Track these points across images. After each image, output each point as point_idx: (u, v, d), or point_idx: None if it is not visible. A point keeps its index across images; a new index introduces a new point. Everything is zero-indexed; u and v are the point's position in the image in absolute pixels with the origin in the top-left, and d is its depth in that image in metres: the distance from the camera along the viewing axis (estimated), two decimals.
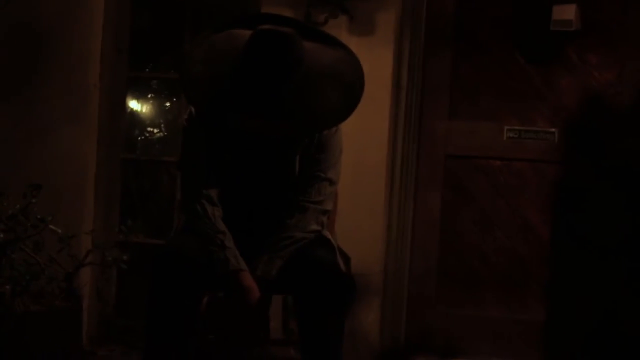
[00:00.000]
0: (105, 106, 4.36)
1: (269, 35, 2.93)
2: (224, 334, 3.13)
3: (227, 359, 3.42)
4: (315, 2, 4.09)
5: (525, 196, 4.28)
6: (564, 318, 4.24)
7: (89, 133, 4.32)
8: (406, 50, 4.21)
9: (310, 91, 2.98)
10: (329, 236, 3.15)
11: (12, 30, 4.29)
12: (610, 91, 4.20)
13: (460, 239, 4.33)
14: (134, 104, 4.69)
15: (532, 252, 4.29)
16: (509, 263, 4.30)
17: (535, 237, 4.28)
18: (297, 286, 2.97)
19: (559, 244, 4.27)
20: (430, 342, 4.32)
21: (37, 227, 3.72)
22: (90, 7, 4.29)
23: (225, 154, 3.09)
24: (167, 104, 4.80)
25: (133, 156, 4.60)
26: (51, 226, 3.75)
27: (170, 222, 4.38)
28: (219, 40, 3.08)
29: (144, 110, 4.75)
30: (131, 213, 4.49)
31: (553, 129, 4.24)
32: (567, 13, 4.12)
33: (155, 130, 4.79)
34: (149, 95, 4.78)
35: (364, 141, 4.07)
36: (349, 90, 3.05)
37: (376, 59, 4.03)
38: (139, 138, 4.75)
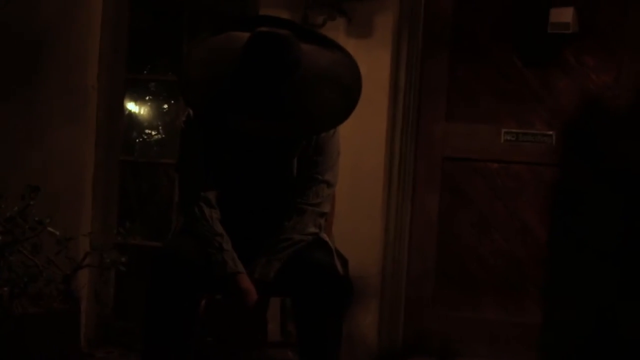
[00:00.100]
0: (103, 108, 4.36)
1: (267, 37, 2.93)
2: (222, 336, 3.13)
3: None
4: (313, 4, 4.09)
5: (523, 199, 4.28)
6: (561, 321, 4.24)
7: (87, 135, 4.32)
8: (404, 52, 4.21)
9: (308, 93, 2.99)
10: (327, 238, 3.16)
11: (11, 31, 4.28)
12: (607, 94, 4.20)
13: (457, 242, 4.34)
14: (132, 106, 4.68)
15: (530, 254, 4.29)
16: (506, 265, 4.31)
17: (532, 240, 4.28)
18: (294, 288, 2.98)
19: (556, 246, 4.27)
20: (428, 344, 4.32)
21: (35, 229, 3.72)
22: (89, 8, 4.29)
23: (223, 156, 3.09)
24: (165, 106, 4.80)
25: (131, 158, 4.60)
26: (49, 228, 3.75)
27: (168, 224, 4.39)
28: (217, 43, 3.09)
29: (142, 112, 4.75)
30: (129, 215, 4.48)
31: (550, 132, 4.25)
32: (564, 16, 4.13)
33: (153, 132, 4.78)
34: (147, 97, 4.77)
35: (361, 143, 4.07)
36: (346, 92, 3.05)
37: (374, 61, 4.03)
38: (137, 140, 4.75)
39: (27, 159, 4.27)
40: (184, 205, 3.13)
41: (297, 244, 3.03)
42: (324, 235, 3.14)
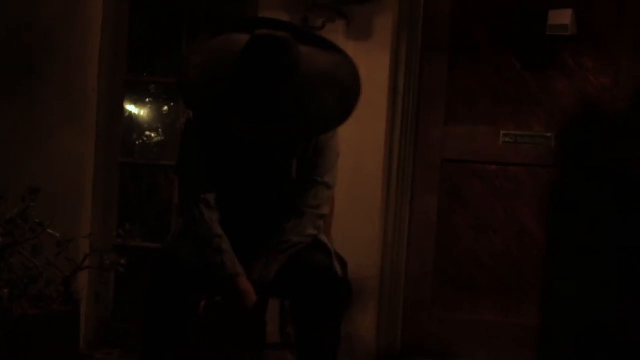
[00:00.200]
0: (103, 110, 4.37)
1: (266, 40, 2.94)
2: (221, 337, 3.14)
3: None
4: (312, 7, 4.09)
5: (522, 201, 4.29)
6: (559, 322, 4.25)
7: (87, 137, 4.32)
8: (403, 54, 4.22)
9: (307, 95, 3.00)
10: (326, 240, 3.17)
11: (11, 33, 4.29)
12: (606, 96, 4.21)
13: (456, 244, 4.34)
14: (131, 108, 4.69)
15: (528, 256, 4.29)
16: (504, 267, 4.31)
17: (531, 242, 4.29)
18: (293, 290, 2.99)
19: (554, 248, 4.28)
20: (426, 346, 4.33)
21: (35, 231, 3.73)
22: (89, 11, 4.29)
23: (223, 158, 3.10)
24: (165, 108, 4.81)
25: (131, 160, 4.60)
26: (49, 230, 3.75)
27: (168, 226, 4.39)
28: (217, 45, 3.10)
29: (141, 114, 4.76)
30: (129, 217, 4.49)
31: (549, 134, 4.25)
32: (562, 18, 4.13)
33: (153, 135, 4.79)
34: (147, 99, 4.78)
35: (361, 145, 4.08)
36: (345, 94, 3.06)
37: (373, 64, 4.04)
38: (137, 142, 4.76)
39: (27, 160, 4.28)
40: (184, 207, 3.14)
41: (296, 246, 3.04)
42: (323, 237, 3.15)
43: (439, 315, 4.34)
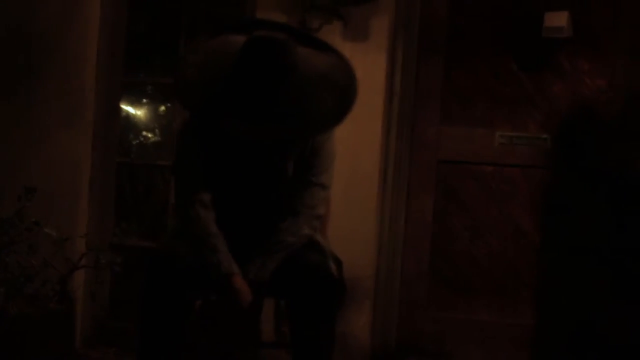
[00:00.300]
0: (100, 110, 4.38)
1: (263, 41, 2.95)
2: (216, 336, 3.15)
3: None
4: (310, 8, 4.10)
5: (517, 201, 4.29)
6: (554, 322, 4.25)
7: (84, 137, 4.33)
8: (399, 56, 4.23)
9: (304, 96, 3.01)
10: (321, 240, 3.18)
11: (8, 34, 4.30)
12: (601, 98, 4.21)
13: (451, 244, 4.35)
14: (128, 109, 4.70)
15: (523, 257, 4.30)
16: (500, 268, 4.31)
17: (526, 242, 4.29)
18: (288, 290, 3.00)
19: (549, 249, 4.28)
20: (421, 346, 4.33)
21: (31, 230, 3.74)
22: (86, 11, 4.30)
23: (220, 159, 3.11)
24: (162, 108, 4.82)
25: (128, 160, 4.61)
26: (45, 229, 3.76)
27: (164, 225, 4.40)
28: (214, 46, 3.10)
29: (138, 114, 4.77)
30: (125, 216, 4.50)
31: (545, 135, 4.26)
32: (558, 20, 4.14)
33: (150, 135, 4.80)
34: (144, 100, 4.79)
35: (357, 146, 4.08)
36: (342, 95, 3.07)
37: (370, 65, 4.05)
38: (134, 142, 4.77)
39: (24, 160, 4.28)
40: (180, 207, 3.15)
41: (291, 246, 3.05)
42: (319, 237, 3.16)
43: (434, 315, 4.34)
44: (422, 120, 4.33)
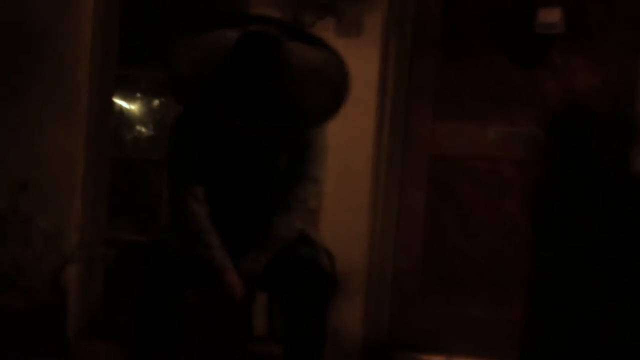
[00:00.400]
0: (93, 104, 4.38)
1: (256, 37, 2.96)
2: (208, 330, 3.16)
3: (212, 356, 3.44)
4: (303, 4, 4.10)
5: (510, 197, 4.30)
6: (546, 319, 4.27)
7: (78, 131, 4.32)
8: (392, 51, 4.24)
9: (296, 91, 3.02)
10: (313, 234, 3.19)
11: (2, 29, 4.30)
12: (594, 94, 4.22)
13: (444, 239, 4.36)
14: (122, 103, 4.70)
15: (516, 252, 4.31)
16: (492, 263, 4.32)
17: (518, 238, 4.30)
18: (280, 284, 3.01)
19: (542, 244, 4.29)
20: (413, 340, 4.35)
21: (24, 224, 3.74)
22: (80, 5, 4.29)
23: (212, 153, 3.12)
24: (156, 102, 4.82)
25: (121, 154, 4.62)
26: (38, 223, 3.77)
27: (158, 219, 4.41)
28: (207, 41, 3.10)
29: (132, 108, 4.77)
30: (119, 210, 4.51)
31: (538, 131, 4.27)
32: (552, 16, 4.15)
33: (144, 129, 4.80)
34: (138, 94, 4.79)
35: (349, 141, 4.09)
36: (335, 90, 3.08)
37: (363, 61, 4.05)
38: (128, 136, 4.77)
39: (17, 154, 4.28)
40: (173, 201, 3.16)
41: (284, 240, 3.07)
42: (311, 231, 3.17)
43: (426, 310, 4.36)
44: (415, 116, 4.34)
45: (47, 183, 4.17)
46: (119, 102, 4.65)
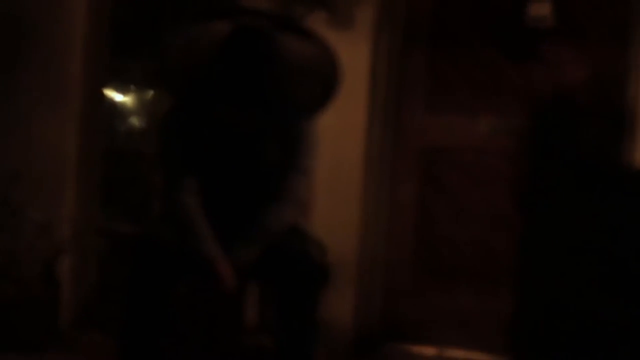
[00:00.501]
0: (86, 96, 4.38)
1: (248, 31, 2.97)
2: (200, 321, 3.18)
3: (203, 347, 3.45)
4: None
5: (499, 189, 4.31)
6: (535, 309, 4.28)
7: (71, 122, 4.32)
8: (384, 44, 4.25)
9: (287, 84, 3.03)
10: (304, 226, 3.21)
11: None
12: (584, 87, 4.23)
13: (434, 231, 4.37)
14: (115, 94, 4.71)
15: (506, 244, 4.32)
16: (482, 255, 4.34)
17: (509, 230, 4.31)
18: (272, 275, 3.03)
19: (531, 236, 4.31)
20: (404, 331, 4.37)
21: (16, 215, 3.74)
22: None
23: (204, 145, 3.13)
24: (149, 94, 4.82)
25: (114, 145, 4.62)
26: (30, 214, 3.77)
27: (150, 210, 4.42)
28: (198, 33, 3.11)
29: (125, 100, 4.77)
30: (112, 201, 4.51)
31: (528, 124, 4.28)
32: (542, 9, 4.16)
33: (136, 120, 4.81)
34: (131, 86, 4.79)
35: (341, 134, 4.10)
36: (326, 83, 3.09)
37: (354, 53, 4.05)
38: (120, 127, 4.77)
39: (10, 146, 4.28)
40: (165, 192, 3.17)
41: (275, 232, 3.08)
42: (301, 223, 3.19)
43: (417, 301, 4.37)
44: (406, 109, 4.35)
45: (40, 174, 4.17)
46: (111, 93, 4.65)
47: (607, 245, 4.18)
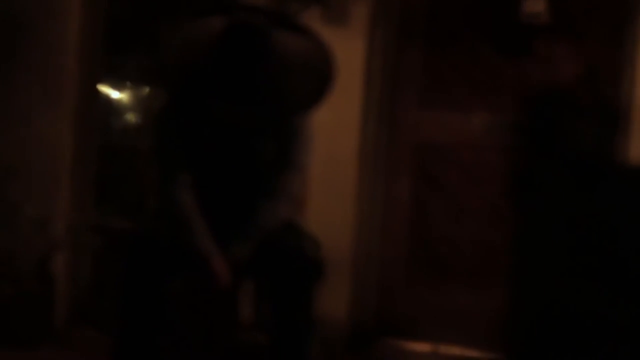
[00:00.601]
0: (82, 92, 4.38)
1: (243, 28, 2.97)
2: (195, 318, 3.18)
3: (198, 343, 3.45)
4: None
5: (494, 186, 4.31)
6: (530, 307, 4.28)
7: (66, 119, 4.32)
8: (378, 41, 4.25)
9: (282, 79, 3.04)
10: (299, 222, 3.21)
11: None
12: (578, 83, 4.24)
13: (429, 227, 4.38)
14: (110, 91, 4.70)
15: (501, 240, 4.32)
16: (477, 251, 4.34)
17: (503, 226, 4.31)
18: (266, 272, 3.03)
19: (527, 233, 4.31)
20: (398, 327, 4.37)
21: (11, 211, 3.74)
22: None
23: (199, 140, 3.13)
24: (144, 90, 4.82)
25: (109, 142, 4.62)
26: (26, 210, 3.77)
27: (145, 206, 4.41)
28: (193, 29, 3.12)
29: (120, 96, 4.77)
30: (106, 197, 4.51)
31: (522, 120, 4.28)
32: (537, 6, 4.17)
33: (132, 117, 4.80)
34: (126, 82, 4.79)
35: (335, 130, 4.10)
36: (320, 79, 3.10)
37: (349, 49, 4.04)
38: (116, 124, 4.77)
39: (5, 142, 4.28)
40: (160, 188, 3.18)
41: (270, 228, 3.08)
42: (296, 219, 3.19)
43: (412, 297, 4.38)
44: (400, 105, 4.36)
45: (35, 170, 4.17)
46: (106, 90, 4.65)
47: (603, 242, 4.19)
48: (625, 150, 4.04)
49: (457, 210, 4.35)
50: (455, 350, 4.33)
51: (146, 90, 4.78)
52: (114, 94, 4.74)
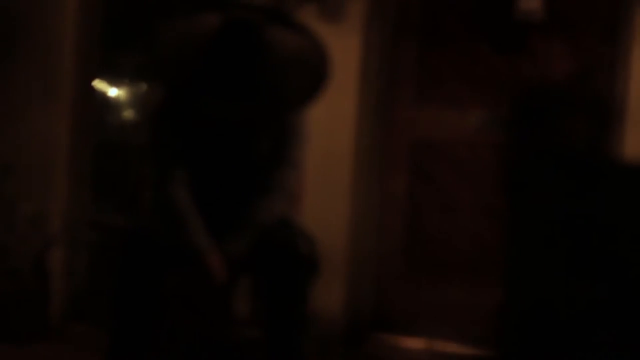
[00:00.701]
0: (78, 89, 4.38)
1: (238, 24, 2.97)
2: (191, 314, 3.18)
3: (193, 339, 3.46)
4: None
5: (489, 182, 4.32)
6: (525, 303, 4.29)
7: (62, 115, 4.33)
8: (374, 38, 4.25)
9: (277, 76, 3.04)
10: (294, 218, 3.22)
11: None
12: (573, 81, 4.25)
13: (425, 224, 4.38)
14: (106, 88, 4.71)
15: (496, 237, 4.33)
16: (472, 247, 4.35)
17: (498, 222, 4.32)
18: (261, 268, 3.04)
19: (522, 230, 4.32)
20: (393, 323, 4.38)
21: (8, 207, 3.74)
22: None
23: (194, 137, 3.14)
24: (139, 87, 4.82)
25: (105, 138, 4.62)
26: (22, 206, 3.77)
27: (141, 203, 4.42)
28: (189, 25, 3.12)
29: (116, 93, 4.77)
30: (102, 194, 4.52)
31: (517, 117, 4.29)
32: (532, 3, 4.17)
33: (127, 113, 4.81)
34: (122, 79, 4.79)
35: (331, 127, 4.11)
36: (315, 75, 3.10)
37: (344, 47, 4.05)
38: (111, 121, 4.78)
39: (1, 138, 4.28)
40: (156, 185, 3.18)
41: (265, 224, 3.09)
42: (291, 216, 3.20)
43: (407, 294, 4.38)
44: (396, 102, 4.36)
45: (32, 166, 4.18)
46: (103, 86, 4.65)
47: (597, 239, 4.20)
48: (619, 147, 4.05)
49: (453, 207, 4.36)
50: (450, 347, 4.33)
51: (142, 87, 4.79)
52: (110, 91, 4.74)
